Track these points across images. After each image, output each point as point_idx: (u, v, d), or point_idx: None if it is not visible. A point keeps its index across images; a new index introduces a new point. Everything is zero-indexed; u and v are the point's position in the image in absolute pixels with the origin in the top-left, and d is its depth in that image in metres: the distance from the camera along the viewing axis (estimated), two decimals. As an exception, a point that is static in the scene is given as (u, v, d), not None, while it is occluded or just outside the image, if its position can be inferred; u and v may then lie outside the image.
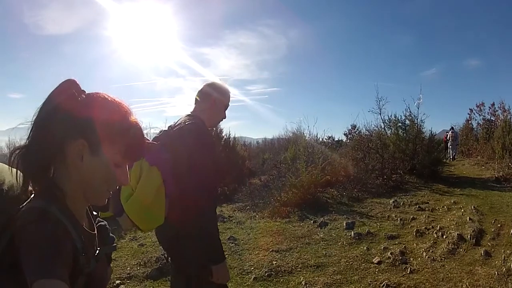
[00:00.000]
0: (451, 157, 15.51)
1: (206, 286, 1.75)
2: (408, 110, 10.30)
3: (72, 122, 0.79)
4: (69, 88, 0.81)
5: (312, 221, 6.02)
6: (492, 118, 16.96)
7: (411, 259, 4.29)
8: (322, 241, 5.10)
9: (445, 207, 6.44)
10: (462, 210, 6.02)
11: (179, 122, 1.82)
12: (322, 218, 6.08)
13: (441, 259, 4.18)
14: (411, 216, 5.88)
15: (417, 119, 10.24)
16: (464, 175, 10.44)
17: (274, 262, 4.33)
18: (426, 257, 4.27)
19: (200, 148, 1.70)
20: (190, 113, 1.89)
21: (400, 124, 10.38)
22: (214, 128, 8.04)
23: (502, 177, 9.00)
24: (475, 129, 17.69)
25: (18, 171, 0.79)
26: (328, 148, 13.04)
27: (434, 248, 4.50)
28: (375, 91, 11.00)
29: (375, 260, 4.28)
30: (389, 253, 4.39)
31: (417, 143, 9.99)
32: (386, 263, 4.20)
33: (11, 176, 0.81)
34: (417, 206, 6.54)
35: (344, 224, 5.59)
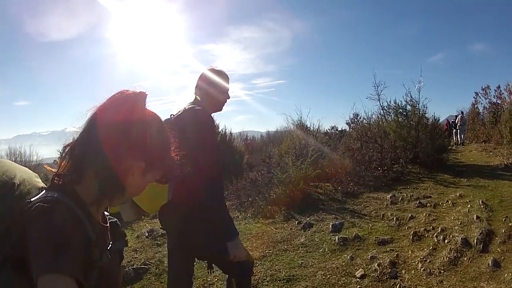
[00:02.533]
0: (460, 141, 14.64)
1: (222, 266, 1.86)
2: (409, 94, 9.22)
3: (141, 142, 0.79)
4: (141, 101, 0.81)
5: (296, 222, 5.17)
6: (498, 101, 15.59)
7: (403, 271, 3.39)
8: (301, 247, 4.26)
9: (449, 201, 5.46)
10: (469, 206, 5.04)
11: (181, 109, 1.84)
12: (308, 218, 5.22)
13: (440, 272, 3.27)
14: (410, 215, 4.93)
15: (418, 104, 9.17)
16: (471, 162, 9.34)
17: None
18: (422, 269, 3.36)
19: (204, 129, 1.72)
20: (192, 101, 1.90)
21: (400, 110, 9.33)
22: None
23: (512, 164, 7.93)
24: (482, 113, 16.36)
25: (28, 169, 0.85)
26: (331, 139, 12.08)
27: (433, 256, 3.59)
28: (373, 75, 9.84)
29: (358, 273, 3.41)
30: (376, 264, 3.50)
31: (420, 130, 8.92)
32: (371, 277, 3.33)
33: (21, 172, 0.83)
34: (418, 201, 5.57)
35: (330, 226, 4.71)
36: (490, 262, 3.26)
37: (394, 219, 4.81)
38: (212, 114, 1.91)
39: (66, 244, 0.65)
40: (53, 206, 0.70)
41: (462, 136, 14.90)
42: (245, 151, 13.01)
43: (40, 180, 0.91)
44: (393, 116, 9.40)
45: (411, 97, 9.24)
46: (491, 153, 10.32)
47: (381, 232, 4.45)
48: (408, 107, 9.20)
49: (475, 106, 17.10)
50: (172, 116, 1.85)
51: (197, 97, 1.91)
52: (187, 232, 1.75)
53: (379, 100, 9.53)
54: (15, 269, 0.68)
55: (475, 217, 4.38)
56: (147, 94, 0.81)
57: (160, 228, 2.74)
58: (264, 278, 3.48)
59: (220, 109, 1.98)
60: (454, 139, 15.52)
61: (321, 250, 4.09)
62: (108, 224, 0.89)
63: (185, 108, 1.81)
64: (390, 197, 5.88)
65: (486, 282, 3.00)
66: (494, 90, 15.98)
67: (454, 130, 15.54)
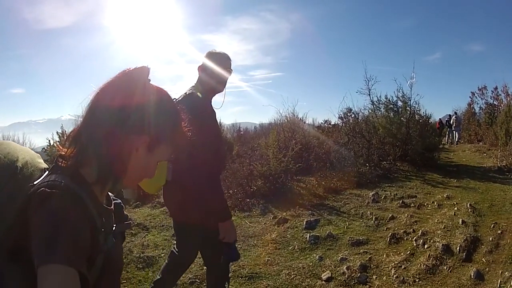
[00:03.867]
0: (455, 141, 14.32)
1: (214, 246, 1.78)
2: (401, 90, 8.71)
3: (142, 117, 0.75)
4: (143, 77, 0.77)
5: (272, 217, 4.75)
6: (495, 102, 15.06)
7: (374, 277, 2.98)
8: (271, 243, 3.85)
9: (435, 203, 5.03)
10: (455, 208, 4.62)
11: (183, 93, 1.81)
12: (285, 213, 4.80)
13: (414, 281, 2.86)
14: (390, 215, 4.50)
15: (410, 101, 8.68)
16: (463, 163, 8.89)
17: (204, 267, 3.16)
18: (395, 276, 2.95)
19: (202, 114, 1.69)
20: (193, 85, 1.86)
21: (391, 105, 8.85)
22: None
23: (506, 167, 7.47)
24: (478, 114, 15.86)
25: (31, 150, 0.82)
26: (323, 133, 11.62)
27: (409, 263, 3.17)
28: (368, 71, 9.34)
29: (325, 275, 3.01)
30: (345, 267, 3.10)
31: (411, 127, 8.45)
32: (338, 281, 2.94)
33: (24, 154, 0.80)
34: (401, 201, 5.13)
35: (305, 222, 4.29)
36: (472, 274, 2.85)
37: (373, 219, 4.38)
38: (215, 97, 1.92)
39: (71, 233, 0.62)
40: (57, 191, 0.66)
41: (457, 135, 14.60)
42: (238, 142, 12.59)
43: (42, 161, 0.86)
44: (383, 111, 8.92)
45: (403, 93, 8.76)
46: (485, 154, 9.86)
47: (357, 232, 4.02)
48: (400, 103, 8.72)
49: (471, 106, 16.58)
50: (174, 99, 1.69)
51: (198, 81, 1.88)
52: (184, 213, 1.80)
53: (369, 94, 9.05)
54: (9, 256, 0.66)
55: (460, 222, 3.95)
56: (149, 68, 0.77)
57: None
58: (226, 274, 3.09)
59: (222, 90, 1.90)
60: (447, 138, 15.24)
61: (290, 248, 3.68)
62: (112, 207, 0.85)
63: (185, 93, 1.80)
64: (373, 194, 5.44)
65: (465, 297, 2.59)
66: (491, 91, 15.47)
67: (448, 129, 15.20)
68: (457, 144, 14.11)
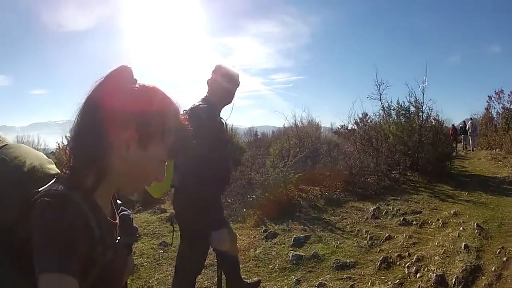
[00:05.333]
0: (471, 148, 13.49)
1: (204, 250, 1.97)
2: (413, 95, 8.12)
3: (125, 112, 0.71)
4: (123, 75, 0.74)
5: (263, 230, 4.45)
6: (511, 106, 13.92)
7: (353, 311, 2.62)
8: (253, 260, 3.60)
9: (440, 221, 4.54)
10: (461, 228, 4.14)
11: (191, 106, 1.87)
12: (277, 227, 4.50)
13: (397, 320, 2.48)
14: (387, 234, 4.07)
15: (422, 106, 8.08)
16: (477, 172, 8.19)
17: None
18: (376, 312, 2.58)
19: (207, 126, 1.69)
20: (202, 98, 1.93)
21: (403, 111, 8.29)
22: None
23: (522, 178, 6.80)
24: (495, 119, 14.75)
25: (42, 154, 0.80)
26: (340, 138, 11.14)
27: (395, 294, 2.79)
28: (383, 75, 8.81)
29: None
30: (323, 296, 2.75)
31: (424, 134, 7.87)
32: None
33: (33, 159, 0.78)
34: (403, 217, 4.67)
35: (292, 239, 3.96)
36: (464, 313, 2.44)
37: (368, 238, 3.97)
38: (225, 108, 1.99)
39: (70, 243, 0.61)
40: (57, 201, 0.64)
41: (473, 142, 13.73)
42: (253, 146, 12.32)
43: (53, 166, 0.84)
44: (394, 117, 8.38)
45: (416, 98, 8.17)
46: (501, 162, 9.07)
47: (346, 252, 3.64)
48: (412, 109, 8.14)
49: (489, 110, 15.43)
50: (184, 111, 1.87)
51: (208, 92, 1.94)
52: (187, 219, 1.88)
53: (380, 100, 8.53)
54: (15, 263, 0.66)
55: (463, 246, 3.48)
56: (130, 68, 0.73)
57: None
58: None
59: (230, 101, 1.96)
60: (463, 144, 14.39)
61: (270, 267, 3.39)
62: (117, 220, 0.82)
63: (194, 105, 1.85)
64: (373, 209, 5.00)
65: None
66: (508, 95, 14.31)
67: (463, 135, 14.29)
68: (473, 150, 13.30)
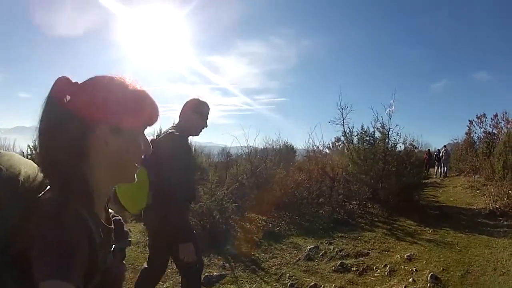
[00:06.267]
0: (443, 174, 13.19)
1: (178, 263, 1.99)
2: (380, 120, 7.33)
3: (82, 115, 0.67)
4: (64, 85, 0.69)
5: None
6: (494, 130, 13.34)
7: None
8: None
9: (387, 267, 3.56)
10: (411, 280, 3.18)
11: (164, 132, 2.09)
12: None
13: None
14: (313, 282, 3.11)
15: (388, 132, 7.29)
16: (450, 203, 7.28)
17: None
18: None
19: (177, 153, 1.92)
20: (174, 125, 2.11)
21: (367, 137, 7.49)
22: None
23: (499, 210, 5.88)
24: (477, 144, 14.15)
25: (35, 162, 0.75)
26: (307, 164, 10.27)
27: None
28: (339, 97, 8.02)
29: None
30: None
31: (390, 162, 7.01)
32: None
33: (27, 167, 0.74)
34: (341, 261, 3.68)
35: (203, 277, 2.98)
36: None
37: (288, 285, 3.03)
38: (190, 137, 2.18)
39: (72, 251, 0.59)
40: (59, 209, 0.62)
41: (445, 169, 13.30)
42: (222, 168, 11.39)
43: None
44: (356, 143, 7.55)
45: (382, 123, 7.39)
46: (478, 191, 8.18)
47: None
48: (377, 134, 7.34)
49: (470, 135, 14.85)
50: (157, 136, 2.27)
51: (180, 120, 2.11)
52: (159, 233, 1.99)
53: (343, 125, 7.75)
54: (14, 273, 0.62)
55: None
56: (64, 76, 0.69)
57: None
58: None
59: (198, 134, 2.12)
60: (436, 172, 13.86)
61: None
62: (112, 225, 0.79)
63: (166, 131, 2.04)
64: (310, 249, 4.03)
65: None
66: (491, 118, 13.77)
67: (437, 163, 13.74)
68: (445, 177, 12.85)
